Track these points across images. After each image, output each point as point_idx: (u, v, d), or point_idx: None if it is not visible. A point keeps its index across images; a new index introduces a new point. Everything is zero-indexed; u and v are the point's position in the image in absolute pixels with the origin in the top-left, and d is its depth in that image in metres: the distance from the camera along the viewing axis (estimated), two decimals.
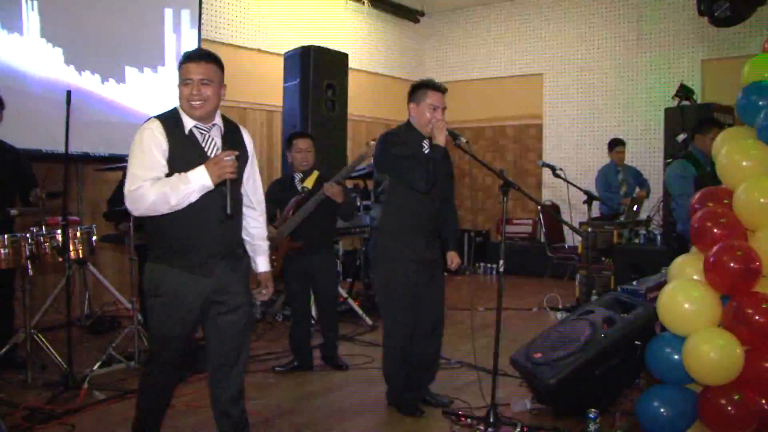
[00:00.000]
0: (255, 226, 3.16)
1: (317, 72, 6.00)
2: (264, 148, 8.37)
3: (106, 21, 6.17)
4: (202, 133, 2.92)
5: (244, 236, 3.12)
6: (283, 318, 6.36)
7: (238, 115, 8.06)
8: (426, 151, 3.91)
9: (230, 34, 7.90)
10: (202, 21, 7.15)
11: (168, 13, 6.71)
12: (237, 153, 2.82)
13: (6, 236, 4.26)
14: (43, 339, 4.56)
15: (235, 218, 2.92)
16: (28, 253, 4.32)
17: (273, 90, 7.06)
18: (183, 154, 2.84)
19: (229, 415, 3.10)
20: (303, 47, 6.08)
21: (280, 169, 6.94)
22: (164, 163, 2.81)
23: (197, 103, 2.84)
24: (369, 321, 6.14)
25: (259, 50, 8.17)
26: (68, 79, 5.81)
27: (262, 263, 3.18)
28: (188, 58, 2.88)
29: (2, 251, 4.25)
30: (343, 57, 6.37)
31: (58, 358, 4.48)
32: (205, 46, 7.16)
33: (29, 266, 4.33)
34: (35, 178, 4.88)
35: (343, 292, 6.33)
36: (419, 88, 3.92)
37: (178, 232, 2.86)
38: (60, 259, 4.51)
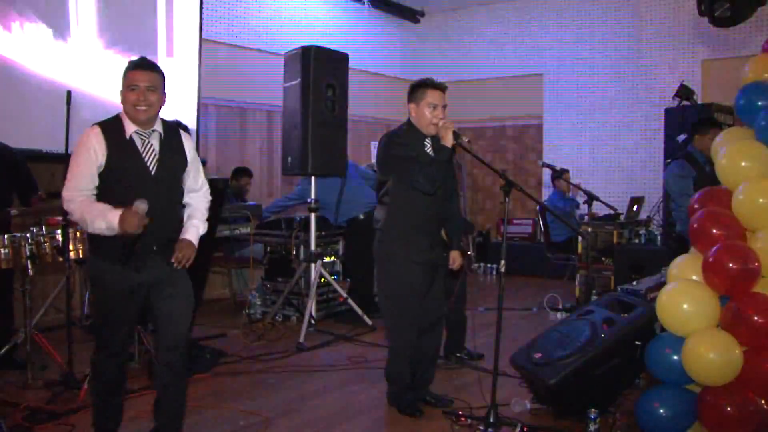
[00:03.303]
0: (193, 204, 3.35)
1: (317, 72, 5.98)
2: (264, 148, 8.38)
3: (104, 22, 6.18)
4: (142, 139, 3.11)
5: (186, 213, 3.34)
6: (282, 318, 6.37)
7: (238, 114, 8.07)
8: (428, 151, 3.91)
9: (230, 34, 7.91)
10: (203, 21, 7.15)
11: (168, 13, 6.71)
12: (144, 215, 2.96)
13: (6, 236, 4.27)
14: (43, 339, 4.56)
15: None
16: (28, 253, 4.33)
17: (273, 90, 7.06)
18: (121, 159, 3.06)
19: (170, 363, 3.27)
20: (303, 47, 6.06)
21: (280, 168, 6.93)
22: (95, 176, 3.04)
23: (143, 108, 3.05)
24: (369, 321, 6.14)
25: (259, 50, 8.17)
26: (68, 80, 5.80)
27: (186, 232, 3.26)
28: (135, 66, 3.10)
29: (2, 251, 4.26)
30: (343, 57, 6.36)
31: (58, 358, 4.48)
32: (205, 46, 7.19)
33: (29, 266, 4.35)
34: (35, 181, 4.88)
35: (343, 293, 6.33)
36: (418, 88, 3.91)
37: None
38: (60, 259, 4.52)
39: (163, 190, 3.15)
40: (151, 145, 3.12)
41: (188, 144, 3.28)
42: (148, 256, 3.12)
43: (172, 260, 3.14)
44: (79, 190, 3.04)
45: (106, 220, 2.95)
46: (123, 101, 3.09)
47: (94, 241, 3.11)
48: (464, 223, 4.94)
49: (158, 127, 3.16)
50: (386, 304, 4.06)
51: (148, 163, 3.10)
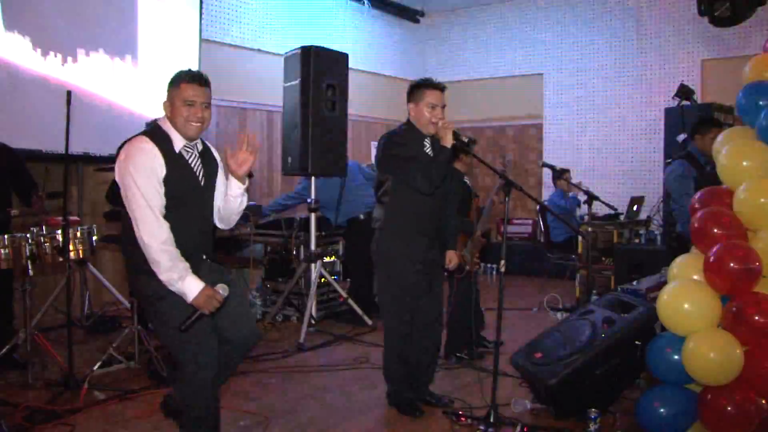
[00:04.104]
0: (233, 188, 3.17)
1: (317, 72, 5.99)
2: (264, 149, 8.37)
3: (104, 23, 6.18)
4: (188, 152, 3.03)
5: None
6: (283, 318, 6.37)
7: (238, 115, 8.06)
8: (427, 151, 3.91)
9: (230, 34, 7.90)
10: (203, 21, 7.15)
11: (169, 13, 6.71)
12: (225, 297, 2.94)
13: (6, 236, 4.27)
14: (44, 339, 4.56)
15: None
16: (28, 253, 4.33)
17: (273, 90, 7.06)
18: (177, 175, 2.94)
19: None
20: (303, 47, 6.06)
21: (279, 169, 6.93)
22: (161, 191, 2.88)
23: (197, 125, 2.98)
24: (369, 321, 6.14)
25: (259, 50, 8.17)
26: (70, 80, 5.80)
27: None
28: (192, 79, 2.97)
29: (2, 251, 4.26)
30: (343, 57, 6.36)
31: (59, 358, 4.48)
32: (205, 46, 7.18)
33: (29, 266, 4.35)
34: (34, 181, 4.88)
35: (343, 293, 6.33)
36: (417, 88, 3.91)
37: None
38: (60, 259, 4.52)
39: (209, 200, 3.14)
40: (197, 157, 3.06)
41: (214, 150, 3.24)
42: (200, 266, 3.05)
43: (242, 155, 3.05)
44: (164, 239, 2.84)
45: (183, 288, 2.85)
46: (173, 114, 2.97)
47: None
48: (465, 224, 4.95)
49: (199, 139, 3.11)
50: (384, 303, 4.07)
51: (198, 176, 3.05)
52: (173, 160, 2.94)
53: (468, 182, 5.22)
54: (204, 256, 3.12)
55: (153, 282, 2.90)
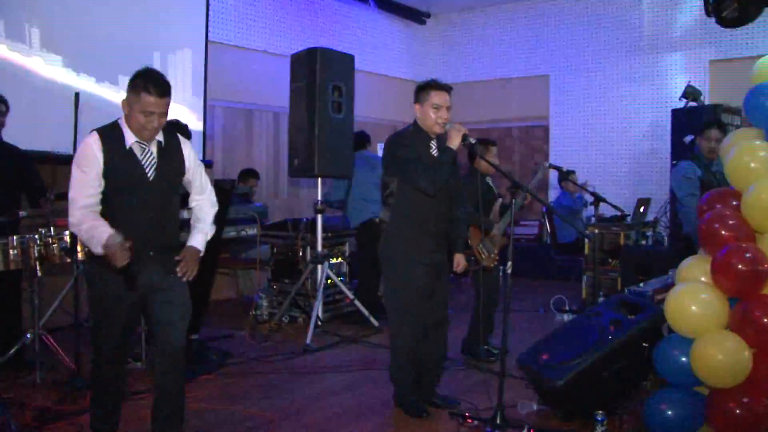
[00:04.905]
0: (199, 208, 3.40)
1: (324, 74, 5.99)
2: (270, 150, 8.39)
3: (111, 24, 6.20)
4: (142, 147, 3.13)
5: (193, 217, 3.40)
6: (289, 319, 6.37)
7: (244, 116, 8.08)
8: (433, 152, 3.92)
9: (237, 35, 7.92)
10: (209, 23, 7.16)
11: (175, 14, 6.73)
12: (122, 243, 2.93)
13: (15, 237, 4.29)
14: (52, 339, 4.57)
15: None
16: (36, 254, 4.35)
17: (279, 91, 7.08)
18: (121, 168, 3.08)
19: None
20: (309, 49, 6.07)
21: (286, 169, 6.95)
22: (99, 182, 3.06)
23: (149, 132, 3.09)
24: (375, 323, 6.14)
25: (265, 52, 8.19)
26: (76, 82, 5.82)
27: (193, 239, 3.31)
28: (151, 91, 3.01)
29: (11, 252, 4.28)
30: (349, 59, 6.36)
31: (66, 358, 4.50)
32: (212, 48, 7.20)
33: (38, 267, 4.37)
34: (43, 183, 4.90)
35: (349, 294, 6.34)
36: (423, 89, 3.91)
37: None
38: (68, 260, 4.54)
39: (159, 196, 3.18)
40: (150, 152, 3.15)
41: (187, 149, 3.31)
42: (144, 263, 3.12)
43: (177, 271, 3.16)
44: (85, 197, 3.05)
45: (99, 243, 2.96)
46: (129, 114, 3.08)
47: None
48: (486, 223, 4.98)
49: (159, 136, 3.17)
50: (390, 304, 4.07)
51: (147, 170, 3.13)
52: (119, 154, 3.07)
53: (490, 183, 5.26)
54: (151, 252, 3.16)
55: (91, 267, 3.20)
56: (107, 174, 3.05)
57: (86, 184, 3.05)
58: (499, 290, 5.21)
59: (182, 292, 3.25)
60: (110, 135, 3.09)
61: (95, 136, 3.07)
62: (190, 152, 3.33)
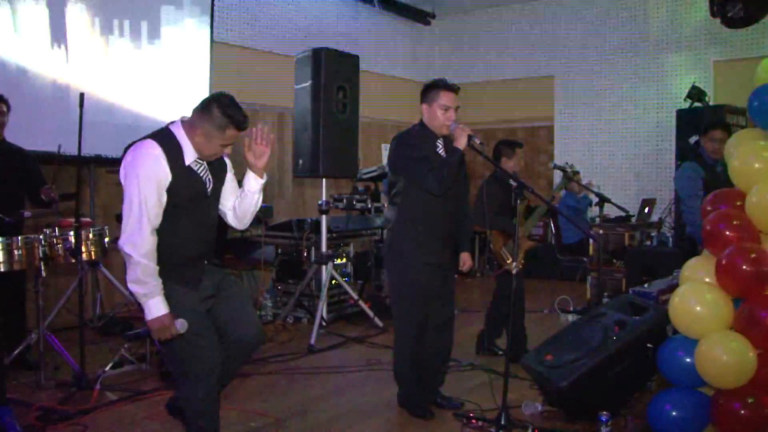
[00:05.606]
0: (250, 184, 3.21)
1: (328, 74, 6.00)
2: (275, 151, 8.39)
3: (114, 24, 6.22)
4: (198, 163, 3.00)
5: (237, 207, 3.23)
6: (293, 320, 6.37)
7: (249, 117, 8.07)
8: (440, 152, 3.91)
9: (241, 36, 7.93)
10: (214, 23, 7.18)
11: (180, 15, 6.74)
12: (184, 331, 2.87)
13: (19, 238, 4.30)
14: (56, 340, 4.58)
15: None
16: (41, 254, 4.36)
17: (284, 92, 7.08)
18: (183, 185, 2.92)
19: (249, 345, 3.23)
20: (314, 49, 6.08)
21: (291, 170, 6.95)
22: (163, 200, 2.86)
23: (216, 155, 3.01)
24: (379, 323, 6.14)
25: (270, 52, 8.20)
26: (80, 83, 5.84)
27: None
28: (239, 125, 2.94)
29: (15, 252, 4.29)
30: (354, 59, 6.37)
31: (71, 358, 4.51)
32: (216, 48, 7.20)
33: (42, 267, 4.38)
34: (43, 178, 4.91)
35: (354, 294, 6.34)
36: (431, 89, 3.91)
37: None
38: (72, 261, 4.55)
39: (214, 207, 3.14)
40: (204, 167, 3.03)
41: (226, 158, 3.20)
42: (202, 273, 3.07)
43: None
44: (153, 232, 2.84)
45: (147, 303, 2.83)
46: (199, 131, 2.90)
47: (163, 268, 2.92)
48: (507, 225, 4.95)
49: None
50: (395, 305, 4.07)
51: (207, 186, 3.03)
52: (181, 171, 2.90)
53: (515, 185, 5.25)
54: (206, 261, 3.11)
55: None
56: (170, 193, 2.87)
57: (156, 201, 2.84)
58: (522, 296, 5.20)
59: (238, 285, 3.26)
60: (170, 148, 2.88)
61: (158, 147, 2.84)
62: (227, 158, 3.22)
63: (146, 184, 2.80)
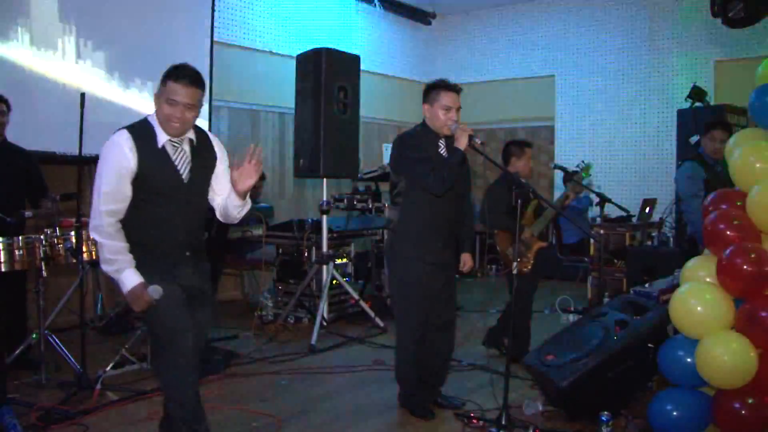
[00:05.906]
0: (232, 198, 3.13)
1: (329, 74, 6.00)
2: (276, 150, 8.40)
3: (116, 24, 6.22)
4: (174, 146, 2.98)
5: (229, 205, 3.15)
6: (294, 320, 6.37)
7: (250, 117, 8.09)
8: (442, 152, 3.91)
9: (242, 36, 7.94)
10: (215, 23, 7.17)
11: (179, 15, 6.74)
12: (158, 297, 2.88)
13: (20, 238, 4.31)
14: (57, 340, 4.59)
15: None
16: (42, 254, 4.37)
17: (285, 92, 7.08)
18: (154, 168, 2.91)
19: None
20: (315, 49, 6.08)
21: (291, 169, 6.96)
22: (127, 189, 2.89)
23: (177, 125, 2.91)
24: (380, 323, 6.14)
25: (271, 52, 8.20)
26: (82, 83, 5.84)
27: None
28: (179, 78, 2.88)
29: (16, 252, 4.30)
30: (355, 59, 6.37)
31: (72, 359, 4.51)
32: (217, 48, 7.20)
33: (43, 267, 4.38)
34: (45, 184, 4.91)
35: (354, 294, 6.34)
36: (433, 89, 3.91)
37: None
38: (73, 261, 4.55)
39: (194, 196, 3.06)
40: (183, 151, 2.99)
41: (217, 144, 3.17)
42: (181, 263, 3.03)
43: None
44: (113, 204, 2.87)
45: (120, 278, 2.88)
46: (157, 108, 2.93)
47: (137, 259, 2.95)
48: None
49: (190, 133, 3.03)
50: (396, 304, 4.07)
51: (181, 170, 2.98)
52: (152, 155, 2.90)
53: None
54: (188, 252, 3.05)
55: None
56: (139, 177, 2.88)
57: (114, 189, 2.86)
58: (531, 298, 5.19)
59: (210, 293, 3.21)
60: (141, 133, 2.91)
61: (125, 135, 2.88)
62: (219, 144, 3.19)
63: (107, 173, 2.86)
